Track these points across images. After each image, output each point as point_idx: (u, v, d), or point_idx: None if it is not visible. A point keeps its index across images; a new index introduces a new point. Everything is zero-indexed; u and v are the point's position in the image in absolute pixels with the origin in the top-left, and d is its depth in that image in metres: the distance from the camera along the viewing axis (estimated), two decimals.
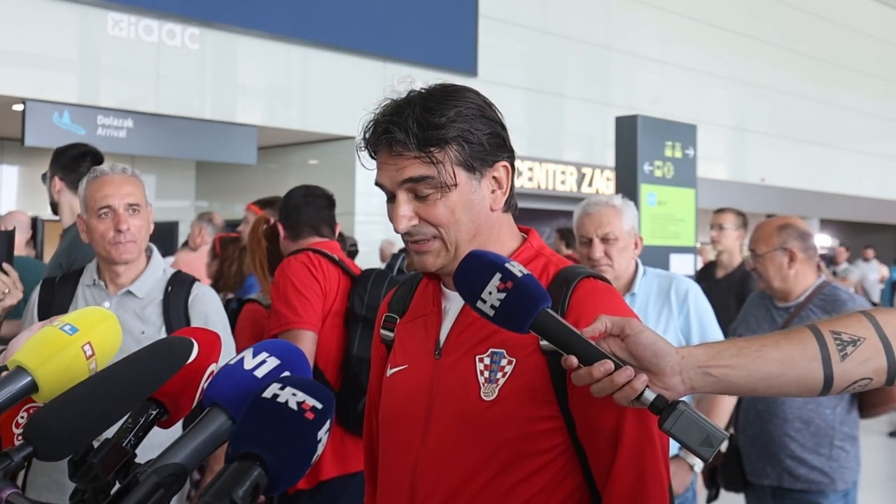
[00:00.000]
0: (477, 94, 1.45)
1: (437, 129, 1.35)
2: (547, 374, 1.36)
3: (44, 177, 3.38)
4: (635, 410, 1.26)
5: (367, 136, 1.41)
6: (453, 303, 1.47)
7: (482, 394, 1.38)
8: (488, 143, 1.40)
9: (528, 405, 1.36)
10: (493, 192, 1.43)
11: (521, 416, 1.36)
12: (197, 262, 5.68)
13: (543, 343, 1.31)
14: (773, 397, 2.89)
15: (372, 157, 1.42)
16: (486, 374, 1.39)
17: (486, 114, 1.42)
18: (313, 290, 3.00)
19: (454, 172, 1.37)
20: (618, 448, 1.33)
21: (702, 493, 3.77)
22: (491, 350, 1.39)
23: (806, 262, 2.99)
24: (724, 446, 1.22)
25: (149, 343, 0.98)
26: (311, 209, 3.20)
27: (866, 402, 2.96)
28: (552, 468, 1.38)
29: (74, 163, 3.23)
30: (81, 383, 0.87)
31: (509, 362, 1.38)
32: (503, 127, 1.45)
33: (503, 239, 1.47)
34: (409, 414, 1.46)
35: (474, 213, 1.40)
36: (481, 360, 1.40)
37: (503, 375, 1.37)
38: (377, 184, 1.42)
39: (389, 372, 1.54)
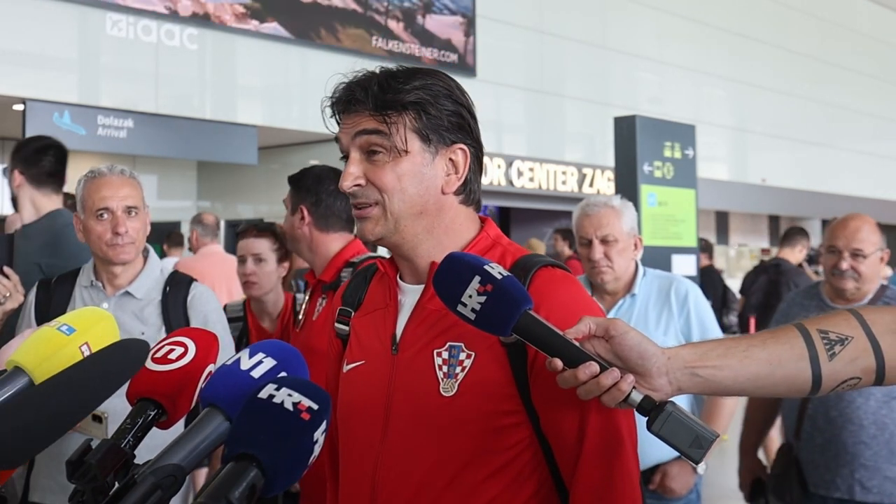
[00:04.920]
0: (452, 79, 1.45)
1: (397, 93, 1.36)
2: (508, 368, 1.33)
3: (4, 171, 3.19)
4: (600, 404, 1.23)
5: (333, 95, 1.41)
6: (409, 296, 1.44)
7: (441, 389, 1.34)
8: (448, 120, 1.39)
9: (490, 400, 1.33)
10: (447, 174, 1.41)
11: (483, 411, 1.33)
12: (191, 264, 5.70)
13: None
14: (846, 403, 2.77)
15: (338, 123, 1.43)
16: (445, 368, 1.35)
17: (453, 95, 1.41)
18: None
19: (406, 138, 1.36)
20: (583, 442, 1.31)
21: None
22: (449, 344, 1.36)
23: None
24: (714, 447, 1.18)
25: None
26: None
27: None
28: (518, 464, 1.35)
29: (36, 156, 3.10)
30: (27, 391, 0.86)
31: (468, 356, 1.34)
32: (472, 115, 1.44)
33: (458, 228, 1.44)
34: (368, 411, 1.42)
35: (423, 188, 1.39)
36: (439, 355, 1.36)
37: (462, 370, 1.34)
38: (336, 139, 1.43)
39: (346, 367, 1.50)
